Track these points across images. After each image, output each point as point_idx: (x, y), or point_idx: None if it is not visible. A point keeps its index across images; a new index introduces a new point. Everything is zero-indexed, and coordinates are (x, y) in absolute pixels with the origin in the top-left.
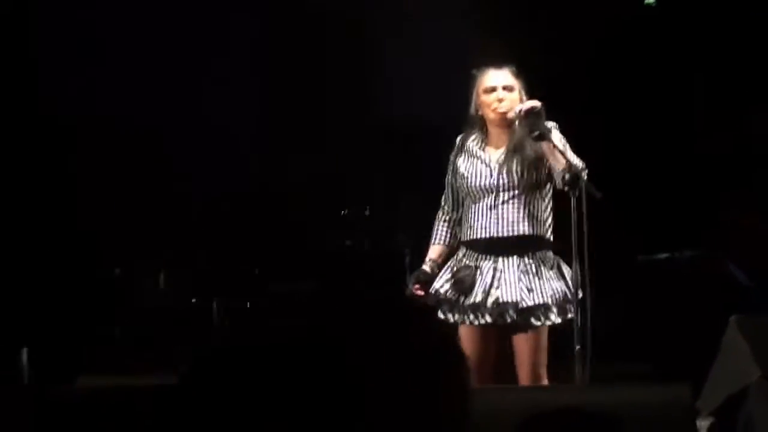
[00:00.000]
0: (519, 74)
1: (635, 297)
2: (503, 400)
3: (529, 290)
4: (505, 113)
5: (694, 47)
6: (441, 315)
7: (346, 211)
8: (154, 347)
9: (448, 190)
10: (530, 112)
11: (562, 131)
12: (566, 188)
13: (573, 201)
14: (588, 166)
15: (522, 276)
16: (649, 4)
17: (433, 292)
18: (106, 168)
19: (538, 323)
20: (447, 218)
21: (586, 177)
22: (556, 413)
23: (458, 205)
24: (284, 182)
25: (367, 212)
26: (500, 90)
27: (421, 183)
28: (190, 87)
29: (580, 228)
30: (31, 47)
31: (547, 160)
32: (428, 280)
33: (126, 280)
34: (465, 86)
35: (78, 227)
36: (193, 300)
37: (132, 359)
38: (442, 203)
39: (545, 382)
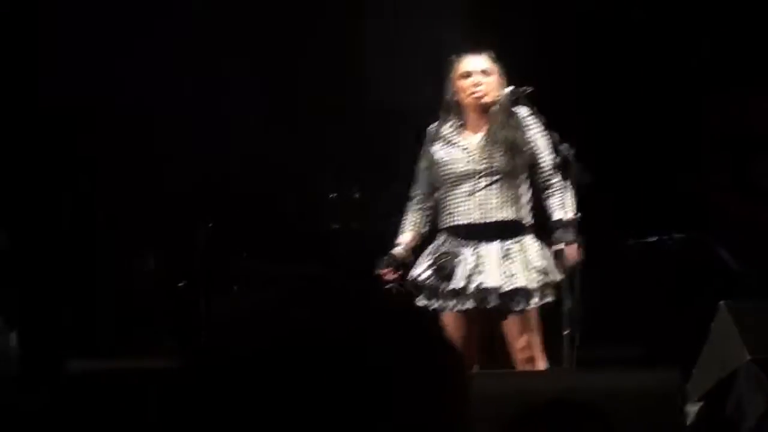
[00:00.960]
0: (498, 59)
1: (625, 280)
2: (485, 385)
3: (511, 275)
4: (481, 98)
5: (683, 28)
6: (422, 302)
7: (335, 195)
8: (142, 330)
9: (422, 178)
10: (516, 92)
11: (550, 115)
12: (556, 170)
13: (547, 181)
14: (577, 149)
15: (503, 261)
16: None
17: (411, 279)
18: (95, 150)
19: (519, 307)
20: (420, 206)
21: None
22: (541, 397)
23: (432, 192)
24: (274, 166)
25: (356, 195)
26: (477, 75)
27: (412, 167)
28: (182, 74)
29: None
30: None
31: (528, 145)
32: (398, 264)
33: (115, 262)
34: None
35: (67, 210)
36: (180, 284)
37: (121, 342)
38: (414, 192)
39: (541, 363)
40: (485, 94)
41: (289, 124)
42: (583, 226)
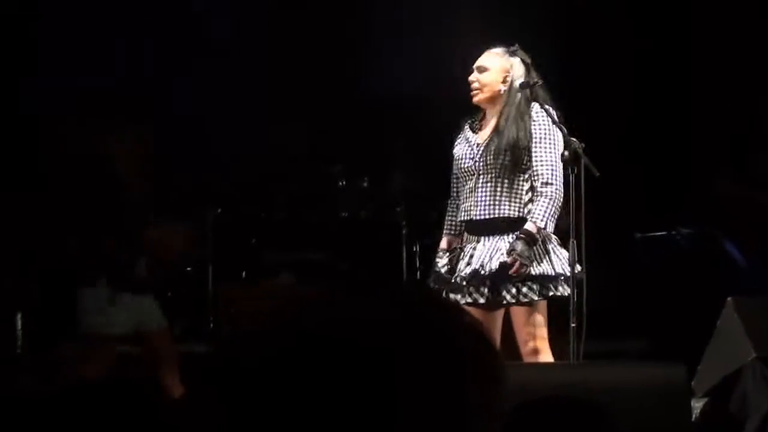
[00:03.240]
0: (508, 53)
1: (632, 275)
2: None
3: (501, 268)
4: (474, 95)
5: (693, 26)
6: (444, 295)
7: (344, 182)
8: None
9: (453, 176)
10: (525, 85)
11: (559, 109)
12: (566, 164)
13: (572, 178)
14: (586, 144)
15: (495, 254)
16: None
17: (436, 273)
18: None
19: (513, 301)
20: (453, 205)
21: (584, 154)
22: (547, 391)
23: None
24: (282, 153)
25: (365, 184)
26: (475, 71)
27: (421, 157)
28: (187, 61)
29: (578, 205)
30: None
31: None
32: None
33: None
34: (463, 66)
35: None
36: (189, 269)
37: None
38: (451, 190)
39: (546, 356)
40: (478, 91)
41: (301, 114)
42: (592, 219)
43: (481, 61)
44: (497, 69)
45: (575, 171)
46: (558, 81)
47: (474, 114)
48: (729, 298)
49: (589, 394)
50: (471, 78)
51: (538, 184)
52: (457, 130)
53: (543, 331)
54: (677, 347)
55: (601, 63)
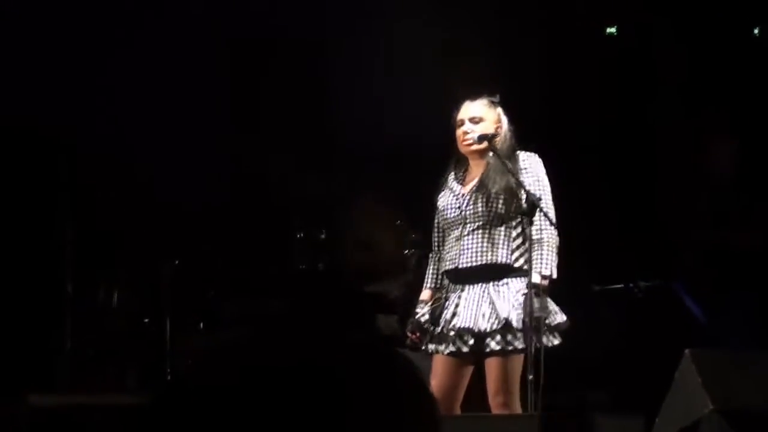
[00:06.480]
0: (494, 104)
1: (590, 327)
2: (451, 430)
3: (489, 315)
4: (470, 145)
5: (651, 79)
6: (423, 346)
7: (302, 234)
8: (106, 366)
9: (434, 230)
10: (483, 138)
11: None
12: (522, 216)
13: (529, 230)
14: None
15: (482, 303)
16: (610, 34)
17: (416, 323)
18: (64, 182)
19: (498, 348)
20: (436, 258)
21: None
22: None
23: (444, 242)
24: (241, 205)
25: (322, 235)
26: (467, 123)
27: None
28: (154, 112)
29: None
30: None
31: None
32: (422, 327)
33: (80, 297)
34: (433, 115)
35: (32, 243)
36: (146, 320)
37: (84, 378)
38: (433, 243)
39: (516, 410)
40: (472, 142)
41: (259, 164)
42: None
43: (474, 112)
44: (491, 119)
45: (532, 223)
46: (521, 131)
47: (450, 167)
48: (686, 350)
49: None
50: (466, 129)
51: (533, 230)
52: (435, 181)
53: (515, 387)
54: (636, 399)
55: (566, 115)
